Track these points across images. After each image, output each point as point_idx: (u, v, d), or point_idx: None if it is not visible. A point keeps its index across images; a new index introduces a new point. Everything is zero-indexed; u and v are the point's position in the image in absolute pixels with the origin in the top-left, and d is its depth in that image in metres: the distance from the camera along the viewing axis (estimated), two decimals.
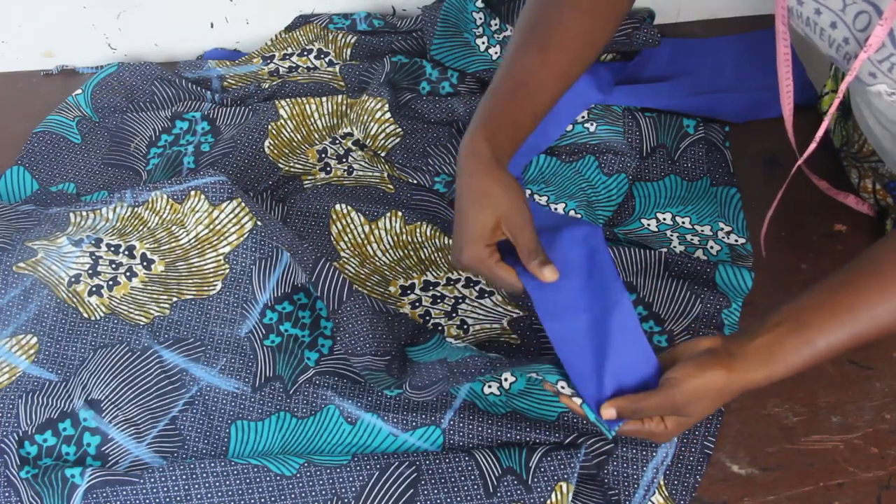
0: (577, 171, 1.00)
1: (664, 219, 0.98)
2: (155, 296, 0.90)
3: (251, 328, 0.86)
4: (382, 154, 1.02)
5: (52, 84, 1.16)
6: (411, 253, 0.95)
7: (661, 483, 0.79)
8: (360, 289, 0.87)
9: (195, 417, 0.83)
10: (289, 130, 1.04)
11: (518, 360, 0.83)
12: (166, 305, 0.89)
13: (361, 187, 1.00)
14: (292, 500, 0.75)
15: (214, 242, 0.91)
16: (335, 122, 1.07)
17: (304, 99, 1.06)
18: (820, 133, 0.77)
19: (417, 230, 0.96)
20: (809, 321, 0.65)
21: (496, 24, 1.12)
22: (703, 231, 0.96)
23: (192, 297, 0.89)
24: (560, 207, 0.97)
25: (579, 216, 0.96)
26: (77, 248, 0.91)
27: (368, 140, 1.03)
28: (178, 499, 0.75)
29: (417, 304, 0.91)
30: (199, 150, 1.04)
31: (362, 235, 0.96)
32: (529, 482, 0.75)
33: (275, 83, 1.12)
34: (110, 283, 0.90)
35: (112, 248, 0.91)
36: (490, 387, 0.84)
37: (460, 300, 0.91)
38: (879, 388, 0.84)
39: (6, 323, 0.88)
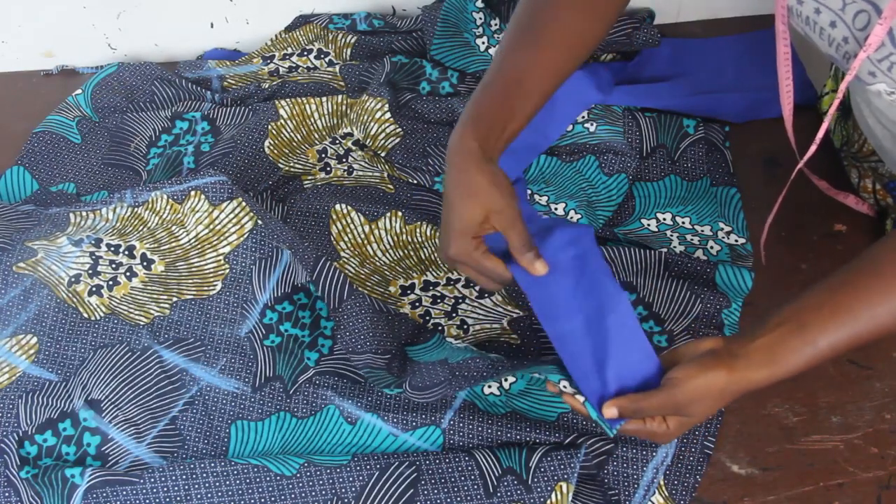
0: (578, 171, 1.00)
1: (664, 219, 0.98)
2: (155, 296, 0.90)
3: (251, 328, 0.86)
4: (382, 154, 1.02)
5: (52, 84, 1.16)
6: (411, 253, 0.95)
7: (661, 483, 0.79)
8: (360, 289, 0.87)
9: (195, 417, 0.83)
10: (289, 130, 1.04)
11: (519, 361, 0.83)
12: (166, 305, 0.89)
13: (361, 187, 1.00)
14: (292, 500, 0.75)
15: (214, 242, 0.91)
16: (335, 122, 1.07)
17: (304, 99, 1.06)
18: (820, 134, 0.77)
19: (417, 230, 0.96)
20: (810, 321, 0.65)
21: (496, 24, 1.12)
22: (703, 231, 0.96)
23: (192, 297, 0.89)
24: (560, 207, 0.97)
25: (579, 216, 0.96)
26: (77, 248, 0.91)
27: (368, 140, 1.03)
28: (178, 499, 0.75)
29: (417, 304, 0.91)
30: (199, 150, 1.04)
31: (362, 235, 0.96)
32: (529, 482, 0.75)
33: (275, 83, 1.12)
34: (110, 283, 0.90)
35: (112, 248, 0.91)
36: (490, 387, 0.84)
37: (460, 300, 0.91)
38: (879, 388, 0.84)
39: (6, 323, 0.88)
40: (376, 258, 0.95)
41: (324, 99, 1.06)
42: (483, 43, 1.11)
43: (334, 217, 0.96)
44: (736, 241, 0.95)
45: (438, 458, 0.76)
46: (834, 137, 1.01)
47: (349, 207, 0.96)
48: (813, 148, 0.79)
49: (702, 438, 0.80)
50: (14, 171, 1.05)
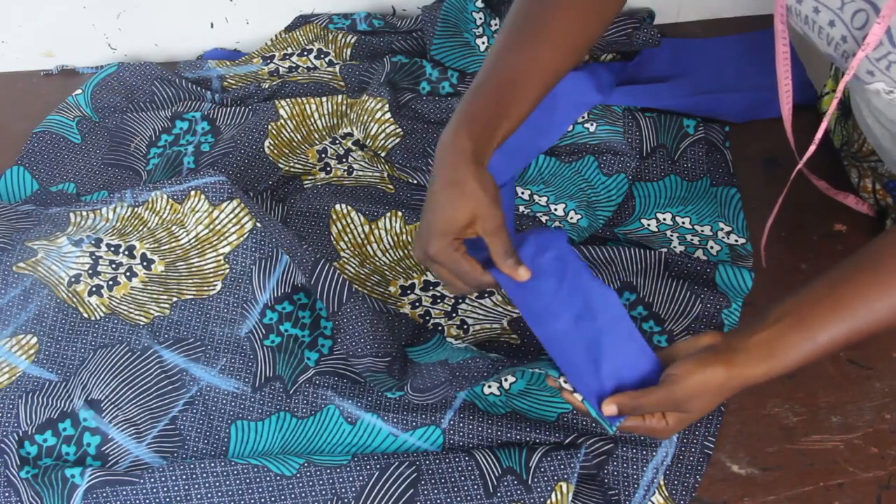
0: (577, 172, 1.00)
1: (664, 219, 0.98)
2: (155, 296, 0.90)
3: (251, 328, 0.86)
4: (382, 154, 1.02)
5: (52, 84, 1.16)
6: (411, 253, 0.95)
7: (661, 483, 0.79)
8: (359, 289, 0.87)
9: (195, 417, 0.83)
10: (289, 130, 1.04)
11: (519, 360, 0.83)
12: (166, 305, 0.89)
13: (361, 187, 1.00)
14: (292, 500, 0.75)
15: (214, 242, 0.91)
16: (335, 122, 1.07)
17: (304, 99, 1.06)
18: (819, 134, 0.77)
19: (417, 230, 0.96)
20: (809, 316, 0.65)
21: (496, 24, 1.12)
22: (703, 231, 0.96)
23: (192, 297, 0.89)
24: (560, 208, 0.97)
25: (579, 216, 0.96)
26: (77, 248, 0.91)
27: (368, 140, 1.03)
28: (178, 499, 0.75)
29: (417, 304, 0.91)
30: (199, 150, 1.04)
31: (362, 235, 0.96)
32: (529, 482, 0.75)
33: (275, 83, 1.12)
34: (110, 283, 0.90)
35: (112, 248, 0.91)
36: (490, 387, 0.84)
37: (460, 300, 0.91)
38: (879, 388, 0.84)
39: (6, 323, 0.88)
40: (376, 258, 0.95)
41: (324, 99, 1.06)
42: (483, 43, 1.11)
43: (334, 217, 0.96)
44: (736, 241, 0.95)
45: (438, 458, 0.76)
46: (834, 137, 1.01)
47: (349, 207, 0.96)
48: (812, 147, 0.79)
49: (702, 438, 0.80)
50: (14, 171, 1.05)
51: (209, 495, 0.75)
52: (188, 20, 1.16)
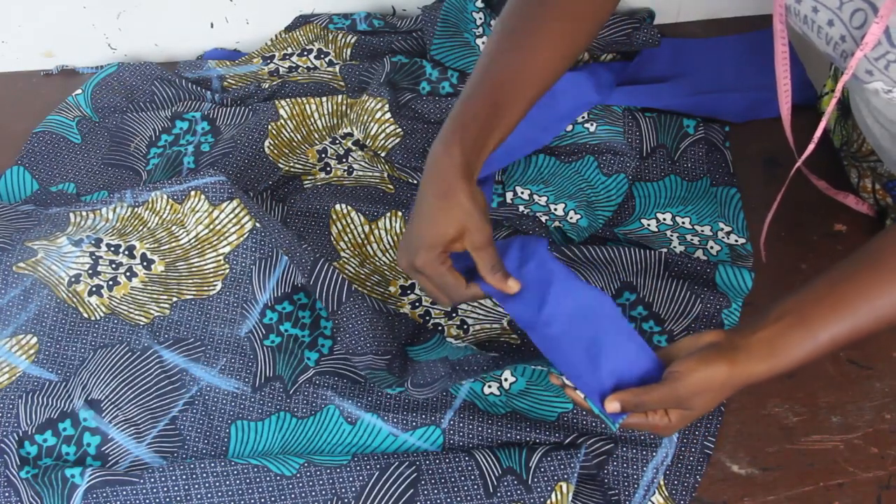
0: (577, 172, 1.00)
1: (664, 219, 0.98)
2: (155, 296, 0.90)
3: (251, 328, 0.86)
4: (382, 154, 1.02)
5: (52, 84, 1.16)
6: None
7: (661, 483, 0.79)
8: (359, 289, 0.87)
9: (195, 417, 0.83)
10: (289, 130, 1.04)
11: (521, 357, 0.83)
12: (166, 305, 0.89)
13: (361, 187, 1.00)
14: (292, 500, 0.75)
15: (214, 242, 0.91)
16: (335, 122, 1.07)
17: (304, 99, 1.06)
18: (818, 133, 0.77)
19: None
20: (811, 314, 0.66)
21: None
22: (703, 231, 0.96)
23: (192, 297, 0.89)
24: (560, 208, 0.97)
25: (579, 216, 0.96)
26: (77, 248, 0.91)
27: (368, 140, 1.03)
28: (178, 499, 0.75)
29: (417, 304, 0.91)
30: (199, 150, 1.04)
31: (362, 235, 0.96)
32: (529, 482, 0.75)
33: (275, 83, 1.12)
34: (110, 283, 0.90)
35: (112, 248, 0.91)
36: (490, 387, 0.84)
37: None
38: (879, 388, 0.84)
39: (6, 323, 0.88)
40: (376, 258, 0.95)
41: (324, 99, 1.06)
42: (483, 43, 1.10)
43: (334, 217, 0.96)
44: (736, 241, 0.95)
45: (438, 458, 0.76)
46: (833, 137, 1.01)
47: (349, 207, 0.96)
48: (811, 146, 0.79)
49: (702, 438, 0.80)
50: (14, 171, 1.05)
51: (209, 495, 0.75)
52: (188, 20, 1.16)
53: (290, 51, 1.15)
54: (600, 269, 0.91)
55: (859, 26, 0.69)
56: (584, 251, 0.91)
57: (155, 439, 0.82)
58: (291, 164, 1.02)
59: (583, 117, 1.05)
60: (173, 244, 0.92)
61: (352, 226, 0.96)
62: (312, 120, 1.06)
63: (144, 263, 0.91)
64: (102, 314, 0.88)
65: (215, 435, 0.82)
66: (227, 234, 0.90)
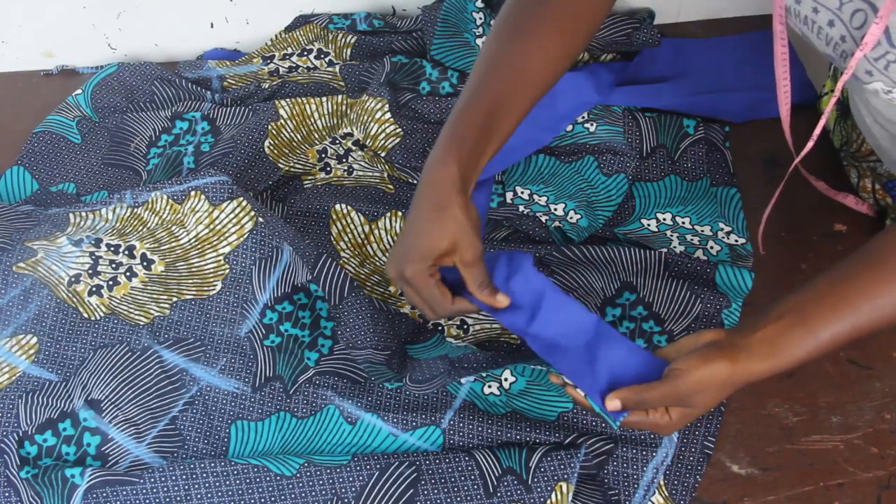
0: (577, 172, 1.00)
1: (664, 219, 0.98)
2: (155, 296, 0.90)
3: (251, 328, 0.86)
4: (382, 154, 1.02)
5: (52, 84, 1.16)
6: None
7: (661, 483, 0.79)
8: (362, 287, 0.87)
9: (195, 417, 0.83)
10: (289, 130, 1.04)
11: (521, 356, 0.83)
12: (166, 305, 0.89)
13: (361, 187, 1.00)
14: (292, 500, 0.75)
15: (214, 242, 0.91)
16: (335, 122, 1.07)
17: (304, 99, 1.06)
18: (817, 132, 0.77)
19: None
20: (812, 313, 0.66)
21: None
22: (703, 231, 0.96)
23: (192, 297, 0.89)
24: (560, 208, 0.97)
25: (579, 216, 0.96)
26: (77, 248, 0.91)
27: (368, 140, 1.03)
28: (178, 499, 0.75)
29: None
30: (199, 150, 1.04)
31: (362, 235, 0.96)
32: (529, 482, 0.75)
33: (275, 83, 1.12)
34: (110, 283, 0.90)
35: (112, 248, 0.91)
36: (490, 387, 0.84)
37: None
38: (879, 388, 0.84)
39: (6, 323, 0.88)
40: (376, 258, 0.95)
41: (324, 99, 1.06)
42: (483, 43, 1.10)
43: (334, 217, 0.96)
44: (736, 241, 0.95)
45: (438, 458, 0.76)
46: (833, 137, 1.01)
47: (349, 207, 0.96)
48: (810, 144, 0.79)
49: (702, 438, 0.80)
50: (14, 171, 1.05)
51: (209, 495, 0.75)
52: (188, 20, 1.16)
53: (290, 51, 1.15)
54: (600, 269, 0.91)
55: (859, 27, 0.69)
56: (584, 251, 0.91)
57: (155, 439, 0.82)
58: (291, 164, 1.02)
59: (583, 117, 1.05)
60: (173, 244, 0.92)
61: (352, 226, 0.96)
62: (312, 120, 1.06)
63: (144, 263, 0.91)
64: (102, 314, 0.88)
65: (215, 435, 0.82)
66: (227, 235, 0.90)
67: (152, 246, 0.92)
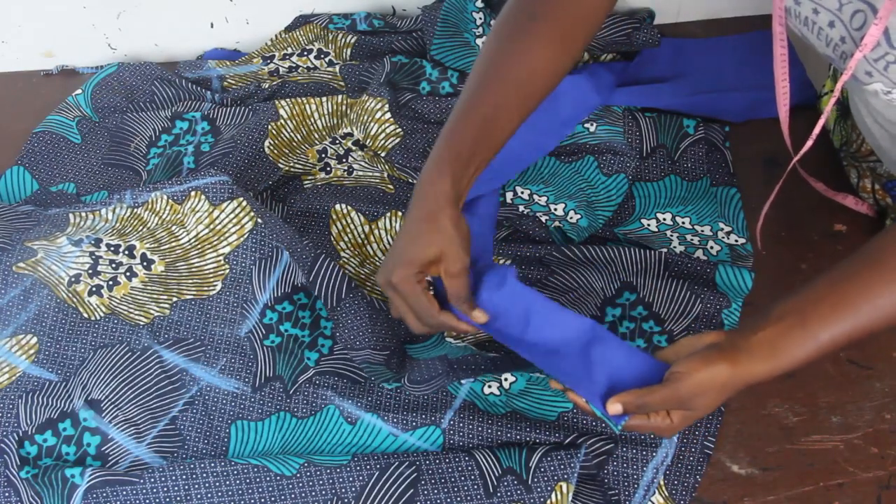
0: (577, 172, 1.00)
1: (664, 219, 0.98)
2: (155, 296, 0.90)
3: (251, 328, 0.86)
4: (382, 154, 1.02)
5: (52, 84, 1.16)
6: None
7: (661, 483, 0.79)
8: (361, 288, 0.87)
9: (195, 417, 0.83)
10: (289, 130, 1.04)
11: (520, 360, 0.83)
12: (166, 305, 0.89)
13: (361, 187, 1.00)
14: (292, 500, 0.75)
15: (214, 242, 0.91)
16: (335, 122, 1.07)
17: (304, 99, 1.06)
18: (816, 131, 0.77)
19: None
20: (812, 314, 0.66)
21: None
22: (703, 231, 0.96)
23: (192, 297, 0.89)
24: (560, 208, 0.97)
25: (579, 216, 0.96)
26: (77, 247, 0.91)
27: (368, 140, 1.03)
28: (178, 499, 0.75)
29: None
30: (199, 150, 1.04)
31: (362, 235, 0.96)
32: (529, 482, 0.75)
33: (275, 83, 1.12)
34: (110, 283, 0.90)
35: (112, 248, 0.91)
36: (490, 387, 0.84)
37: None
38: (879, 388, 0.84)
39: (6, 323, 0.88)
40: (376, 258, 0.95)
41: (324, 99, 1.06)
42: (483, 43, 1.10)
43: (334, 217, 0.96)
44: (736, 241, 0.95)
45: (438, 458, 0.76)
46: (833, 137, 1.01)
47: (349, 207, 0.96)
48: (809, 143, 0.79)
49: (702, 438, 0.80)
50: (14, 171, 1.05)
51: (209, 495, 0.75)
52: (188, 20, 1.16)
53: (290, 51, 1.15)
54: (600, 269, 0.91)
55: (859, 27, 0.69)
56: (584, 251, 0.91)
57: (155, 439, 0.82)
58: (291, 164, 1.02)
59: None
60: (173, 244, 0.92)
61: (352, 226, 0.96)
62: (312, 120, 1.06)
63: (144, 263, 0.91)
64: (102, 314, 0.88)
65: (215, 435, 0.82)
66: (227, 235, 0.90)
67: (152, 246, 0.92)
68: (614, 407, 0.68)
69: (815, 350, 0.65)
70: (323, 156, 1.04)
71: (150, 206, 0.93)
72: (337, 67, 1.13)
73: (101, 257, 0.91)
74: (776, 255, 0.93)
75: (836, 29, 0.71)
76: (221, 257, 0.90)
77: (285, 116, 1.04)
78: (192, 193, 0.92)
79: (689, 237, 0.96)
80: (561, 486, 0.75)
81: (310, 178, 1.02)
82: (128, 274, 0.91)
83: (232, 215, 0.90)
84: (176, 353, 0.86)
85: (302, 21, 1.17)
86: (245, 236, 0.90)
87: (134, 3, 1.13)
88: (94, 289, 0.89)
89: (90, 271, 0.90)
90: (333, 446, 0.81)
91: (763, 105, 1.04)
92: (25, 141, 1.07)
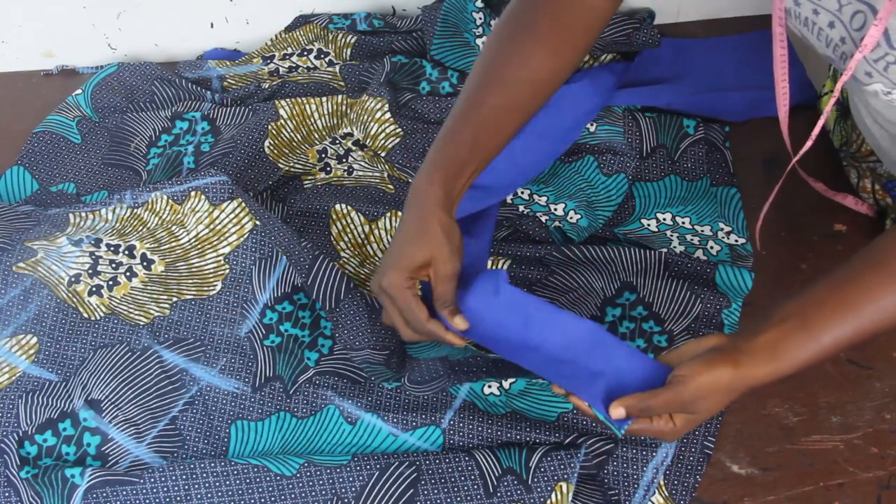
0: (577, 172, 1.00)
1: (664, 219, 0.98)
2: (155, 296, 0.90)
3: (251, 328, 0.86)
4: (382, 154, 1.02)
5: (52, 84, 1.16)
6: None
7: (661, 483, 0.79)
8: (359, 289, 0.87)
9: (195, 417, 0.83)
10: (289, 130, 1.04)
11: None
12: (166, 305, 0.89)
13: (361, 187, 1.00)
14: (292, 500, 0.75)
15: (214, 242, 0.91)
16: (335, 122, 1.07)
17: (304, 99, 1.06)
18: (816, 131, 0.77)
19: None
20: (814, 317, 0.66)
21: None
22: (703, 231, 0.96)
23: (192, 297, 0.89)
24: (560, 208, 0.97)
25: (579, 216, 0.96)
26: (77, 247, 0.91)
27: (368, 140, 1.03)
28: (178, 499, 0.75)
29: None
30: (199, 150, 1.04)
31: (362, 235, 0.96)
32: (529, 482, 0.75)
33: (275, 83, 1.12)
34: (110, 283, 0.90)
35: (112, 248, 0.91)
36: (490, 387, 0.84)
37: None
38: (879, 388, 0.84)
39: (6, 323, 0.88)
40: (376, 258, 0.95)
41: (324, 99, 1.06)
42: (483, 43, 1.10)
43: (334, 217, 0.96)
44: (736, 241, 0.95)
45: (438, 458, 0.76)
46: (833, 137, 1.01)
47: (349, 207, 0.96)
48: (809, 143, 0.79)
49: (702, 438, 0.80)
50: (14, 171, 1.05)
51: (209, 495, 0.75)
52: (188, 20, 1.16)
53: (290, 51, 1.15)
54: (600, 269, 0.91)
55: (859, 28, 0.69)
56: (584, 251, 0.91)
57: (155, 439, 0.82)
58: (291, 164, 1.02)
59: None
60: (173, 244, 0.92)
61: (352, 226, 0.96)
62: (312, 120, 1.06)
63: (144, 263, 0.91)
64: (102, 314, 0.88)
65: (215, 435, 0.82)
66: (227, 235, 0.90)
67: (152, 246, 0.92)
68: (617, 411, 0.68)
69: (818, 352, 0.65)
70: (323, 156, 1.04)
71: (150, 207, 0.93)
72: (337, 67, 1.13)
73: (101, 257, 0.91)
74: (776, 255, 0.93)
75: (836, 30, 0.71)
76: (221, 257, 0.90)
77: (285, 116, 1.04)
78: (192, 193, 0.92)
79: (689, 237, 0.96)
80: (561, 486, 0.75)
81: (310, 178, 1.02)
82: (128, 274, 0.91)
83: (232, 215, 0.90)
84: (176, 353, 0.86)
85: (302, 21, 1.17)
86: (245, 236, 0.90)
87: (134, 3, 1.13)
88: (94, 289, 0.89)
89: (90, 271, 0.90)
90: (333, 446, 0.81)
91: (763, 105, 1.04)
92: (25, 141, 1.07)
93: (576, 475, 0.76)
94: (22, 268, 0.90)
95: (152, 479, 0.76)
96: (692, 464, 0.80)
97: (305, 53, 1.15)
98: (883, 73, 0.69)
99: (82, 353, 0.86)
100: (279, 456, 0.78)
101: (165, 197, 0.93)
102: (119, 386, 0.84)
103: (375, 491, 0.75)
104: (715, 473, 0.80)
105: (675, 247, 0.94)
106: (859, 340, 0.65)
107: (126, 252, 0.91)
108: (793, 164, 0.84)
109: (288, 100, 1.05)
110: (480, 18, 1.11)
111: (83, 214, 0.94)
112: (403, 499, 0.74)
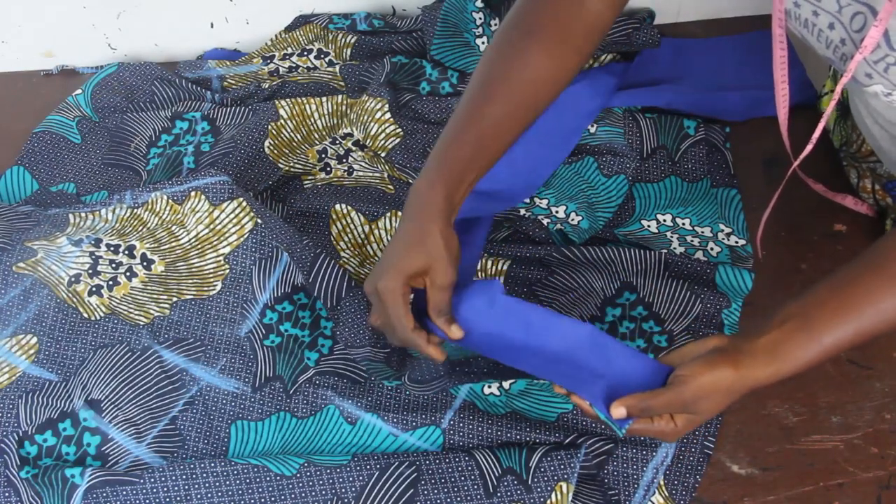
0: (577, 173, 1.00)
1: (664, 220, 0.98)
2: (155, 296, 0.90)
3: (251, 328, 0.86)
4: (382, 154, 1.02)
5: (52, 84, 1.16)
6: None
7: (661, 483, 0.79)
8: (360, 287, 0.87)
9: (195, 417, 0.83)
10: (289, 130, 1.04)
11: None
12: (166, 305, 0.89)
13: (361, 187, 1.00)
14: (292, 500, 0.75)
15: (214, 242, 0.91)
16: (335, 122, 1.07)
17: (304, 99, 1.06)
18: (816, 135, 0.77)
19: None
20: (815, 318, 0.66)
21: (496, 24, 1.12)
22: (703, 232, 0.96)
23: (192, 297, 0.89)
24: (560, 209, 0.97)
25: (580, 217, 0.96)
26: (77, 247, 0.91)
27: (368, 140, 1.03)
28: (178, 499, 0.75)
29: None
30: (199, 150, 1.04)
31: (362, 235, 0.96)
32: (529, 482, 0.75)
33: (275, 83, 1.12)
34: (110, 283, 0.90)
35: (112, 248, 0.91)
36: (490, 387, 0.84)
37: None
38: (879, 388, 0.84)
39: (6, 323, 0.88)
40: (376, 258, 0.95)
41: (324, 99, 1.06)
42: (483, 43, 1.11)
43: (334, 217, 0.96)
44: (736, 242, 0.95)
45: (438, 458, 0.76)
46: (833, 138, 1.01)
47: (349, 207, 0.96)
48: (809, 147, 0.79)
49: (702, 438, 0.80)
50: (14, 171, 1.05)
51: (209, 495, 0.75)
52: (188, 20, 1.16)
53: (290, 51, 1.15)
54: (600, 270, 0.91)
55: (859, 29, 0.69)
56: (585, 252, 0.91)
57: (155, 439, 0.82)
58: (291, 165, 1.02)
59: None
60: (173, 244, 0.92)
61: (352, 226, 0.96)
62: (312, 120, 1.06)
63: (144, 263, 0.91)
64: (102, 314, 0.88)
65: (215, 435, 0.82)
66: (227, 235, 0.90)
67: (152, 246, 0.92)
68: (618, 411, 0.68)
69: (819, 354, 0.65)
70: (323, 156, 1.04)
71: (150, 207, 0.93)
72: (337, 67, 1.13)
73: (101, 257, 0.91)
74: (776, 255, 0.93)
75: (836, 31, 0.71)
76: (221, 257, 0.90)
77: (285, 116, 1.04)
78: (192, 193, 0.92)
79: (689, 238, 0.96)
80: (561, 486, 0.75)
81: (310, 178, 1.02)
82: (128, 274, 0.91)
83: (232, 215, 0.90)
84: (176, 353, 0.86)
85: (302, 21, 1.17)
86: (245, 236, 0.90)
87: (134, 3, 1.13)
88: (94, 289, 0.89)
89: (90, 271, 0.90)
90: (333, 446, 0.81)
91: (763, 105, 1.04)
92: (25, 141, 1.07)
93: (576, 475, 0.76)
94: (22, 268, 0.90)
95: (152, 479, 0.76)
96: (692, 464, 0.80)
97: (305, 53, 1.15)
98: (883, 74, 0.69)
99: (82, 353, 0.86)
100: (279, 456, 0.78)
101: (165, 197, 0.93)
102: (119, 386, 0.84)
103: (375, 491, 0.75)
104: (715, 473, 0.80)
105: (675, 248, 0.94)
106: (860, 342, 0.66)
107: (126, 252, 0.91)
108: (794, 169, 0.84)
109: (288, 100, 1.05)
110: (480, 18, 1.11)
111: (83, 214, 0.94)
112: (403, 499, 0.74)
